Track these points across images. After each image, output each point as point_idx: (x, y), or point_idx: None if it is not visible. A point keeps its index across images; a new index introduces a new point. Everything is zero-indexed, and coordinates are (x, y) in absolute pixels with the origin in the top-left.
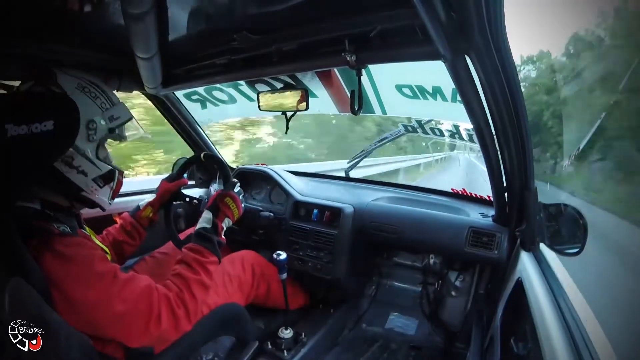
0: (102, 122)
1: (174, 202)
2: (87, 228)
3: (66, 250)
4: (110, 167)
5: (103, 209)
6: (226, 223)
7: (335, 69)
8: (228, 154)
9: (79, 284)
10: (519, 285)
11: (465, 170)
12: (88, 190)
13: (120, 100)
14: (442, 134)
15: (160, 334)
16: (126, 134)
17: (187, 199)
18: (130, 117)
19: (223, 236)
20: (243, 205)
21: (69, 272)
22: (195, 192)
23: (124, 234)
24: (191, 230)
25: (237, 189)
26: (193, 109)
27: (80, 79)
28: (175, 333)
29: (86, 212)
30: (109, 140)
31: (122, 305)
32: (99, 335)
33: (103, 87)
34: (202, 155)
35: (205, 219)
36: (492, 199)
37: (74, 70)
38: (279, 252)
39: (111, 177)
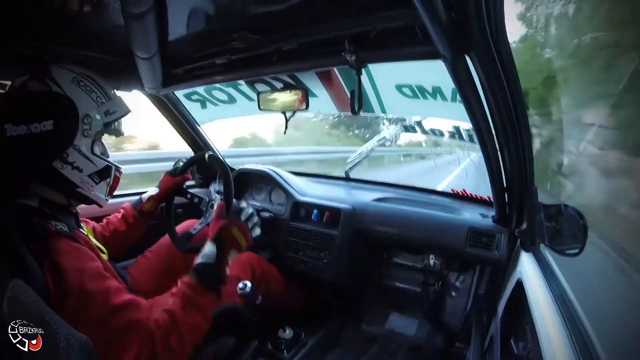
0: (98, 117)
1: (176, 197)
2: (85, 227)
3: (60, 261)
4: (107, 163)
5: (100, 206)
6: (232, 254)
7: (335, 69)
8: None
9: (67, 299)
10: (519, 286)
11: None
12: (83, 187)
13: (117, 94)
14: (442, 134)
15: None
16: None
17: (189, 196)
18: (127, 112)
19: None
20: (253, 234)
21: (60, 286)
22: (195, 192)
23: (126, 226)
24: (187, 223)
25: (245, 214)
26: (193, 109)
27: (75, 72)
28: None
29: (86, 212)
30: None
31: (103, 335)
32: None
33: (99, 80)
34: (206, 156)
35: (207, 253)
36: (492, 199)
37: (70, 64)
38: (244, 282)
39: (107, 173)
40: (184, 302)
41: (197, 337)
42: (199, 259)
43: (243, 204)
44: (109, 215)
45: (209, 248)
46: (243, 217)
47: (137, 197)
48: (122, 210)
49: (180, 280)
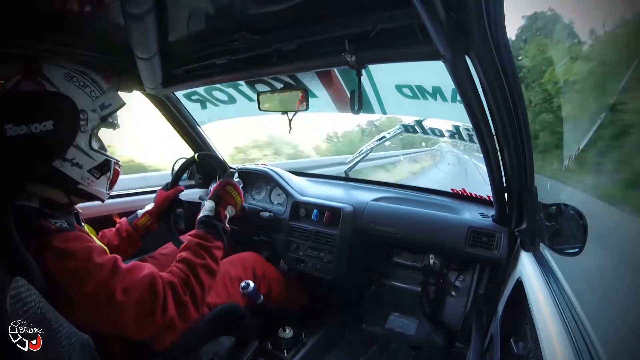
0: (94, 111)
1: (175, 210)
2: (86, 226)
3: (63, 246)
4: (105, 157)
5: (102, 200)
6: (229, 211)
7: (335, 69)
8: None
9: (78, 278)
10: (519, 285)
11: None
12: (84, 183)
13: (111, 87)
14: (441, 134)
15: (167, 322)
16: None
17: (186, 205)
18: (122, 104)
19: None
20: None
21: (67, 267)
22: (196, 193)
23: (119, 240)
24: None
25: (236, 178)
26: (193, 109)
27: (67, 68)
28: (183, 321)
29: (86, 212)
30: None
31: (123, 295)
32: (103, 331)
33: (92, 74)
34: (196, 155)
35: (208, 208)
36: (492, 199)
37: (61, 60)
38: (247, 281)
39: (107, 168)
40: (194, 249)
41: (212, 278)
42: (201, 214)
43: (234, 169)
44: (110, 214)
45: (208, 204)
46: (235, 179)
47: (138, 197)
48: (117, 224)
49: (187, 235)
